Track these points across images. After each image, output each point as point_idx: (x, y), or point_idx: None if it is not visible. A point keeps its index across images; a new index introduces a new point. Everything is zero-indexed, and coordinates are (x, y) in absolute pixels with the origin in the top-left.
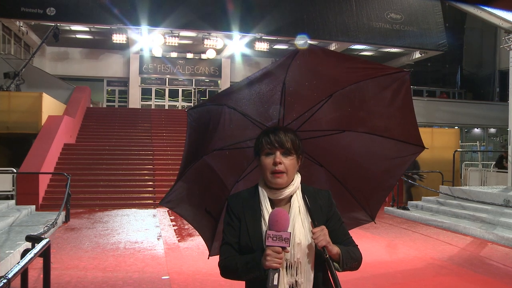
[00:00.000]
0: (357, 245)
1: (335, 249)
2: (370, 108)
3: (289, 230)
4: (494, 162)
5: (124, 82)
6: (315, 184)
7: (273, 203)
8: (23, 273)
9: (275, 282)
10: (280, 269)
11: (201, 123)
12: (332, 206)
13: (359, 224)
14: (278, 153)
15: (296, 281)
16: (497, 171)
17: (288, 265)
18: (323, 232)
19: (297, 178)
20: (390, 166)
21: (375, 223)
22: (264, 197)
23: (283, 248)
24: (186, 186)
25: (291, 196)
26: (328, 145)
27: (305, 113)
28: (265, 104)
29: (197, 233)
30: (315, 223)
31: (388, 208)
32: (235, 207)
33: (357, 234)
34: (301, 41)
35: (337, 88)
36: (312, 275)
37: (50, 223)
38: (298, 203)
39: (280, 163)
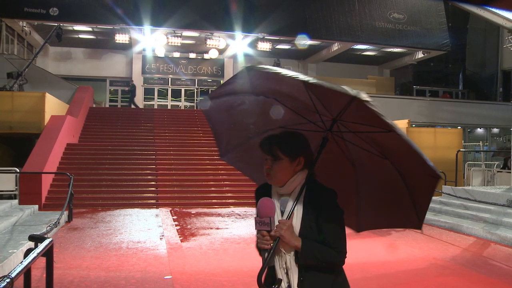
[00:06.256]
0: (341, 252)
1: (293, 243)
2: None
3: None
4: (497, 163)
5: (126, 82)
6: (376, 175)
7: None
8: (26, 272)
9: (267, 260)
10: (272, 250)
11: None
12: (329, 205)
13: (406, 226)
14: (268, 159)
15: (286, 270)
16: (507, 171)
17: (282, 254)
18: (284, 225)
19: (298, 177)
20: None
21: (421, 232)
22: (274, 189)
23: (268, 231)
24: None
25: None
26: (387, 143)
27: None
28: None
29: (200, 233)
30: (288, 216)
31: None
32: (257, 197)
33: (359, 234)
34: (302, 41)
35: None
36: (296, 265)
37: (53, 222)
38: (295, 199)
39: (268, 167)
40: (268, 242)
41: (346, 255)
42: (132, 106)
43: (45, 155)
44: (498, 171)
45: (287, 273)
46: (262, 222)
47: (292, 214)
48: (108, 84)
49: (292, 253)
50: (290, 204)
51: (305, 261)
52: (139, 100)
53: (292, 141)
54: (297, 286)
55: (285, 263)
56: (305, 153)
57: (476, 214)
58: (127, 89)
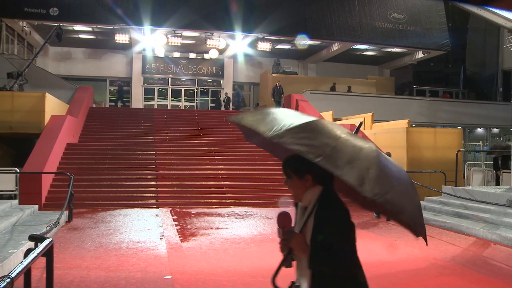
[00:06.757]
0: (340, 263)
1: (302, 252)
2: None
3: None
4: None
5: (126, 82)
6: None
7: None
8: (26, 272)
9: (281, 264)
10: (289, 254)
11: None
12: (332, 221)
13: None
14: (285, 178)
15: (301, 273)
16: (503, 172)
17: (298, 260)
18: (293, 236)
19: (310, 192)
20: None
21: (427, 243)
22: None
23: (282, 240)
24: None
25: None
26: None
27: None
28: None
29: (200, 233)
30: (301, 227)
31: None
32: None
33: (360, 234)
34: (301, 41)
35: None
36: (309, 271)
37: (53, 222)
38: (307, 213)
39: (285, 184)
40: (282, 248)
41: (350, 266)
42: (120, 104)
43: (45, 155)
44: (503, 172)
45: (300, 276)
46: (278, 231)
47: (305, 226)
48: (108, 84)
49: (305, 258)
50: (304, 217)
51: (312, 268)
52: (139, 100)
53: (298, 161)
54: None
55: (300, 267)
56: (312, 172)
57: (476, 214)
58: (116, 89)
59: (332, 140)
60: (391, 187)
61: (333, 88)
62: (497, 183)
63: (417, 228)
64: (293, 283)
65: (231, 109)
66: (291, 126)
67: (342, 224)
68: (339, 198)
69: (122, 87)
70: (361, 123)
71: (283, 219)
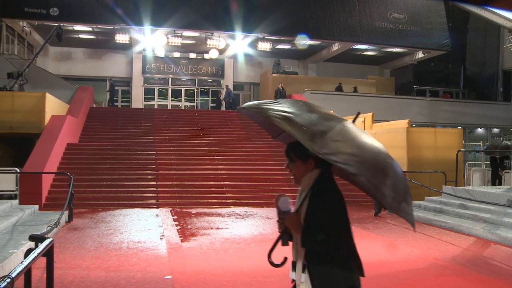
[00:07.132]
0: (332, 240)
1: (296, 230)
2: None
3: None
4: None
5: (127, 82)
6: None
7: None
8: (27, 272)
9: (276, 241)
10: (286, 233)
11: None
12: (325, 201)
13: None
14: (287, 161)
15: (297, 251)
16: (505, 172)
17: (295, 238)
18: (289, 216)
19: (309, 175)
20: None
21: (414, 229)
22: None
23: (280, 219)
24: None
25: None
26: None
27: None
28: None
29: (200, 233)
30: (297, 207)
31: None
32: None
33: (360, 234)
34: (301, 41)
35: None
36: (303, 249)
37: (53, 222)
38: (304, 195)
39: (287, 168)
40: (280, 227)
41: (340, 246)
42: (116, 104)
43: (45, 155)
44: (505, 172)
45: (296, 254)
46: (276, 212)
47: (301, 206)
48: (108, 84)
49: (299, 237)
50: (301, 198)
51: (304, 246)
52: (139, 100)
53: (302, 146)
54: (301, 264)
55: (296, 246)
56: (315, 156)
57: (476, 214)
58: (107, 89)
59: (301, 111)
60: (351, 152)
61: (339, 88)
62: (497, 183)
63: (378, 195)
64: (285, 258)
65: (231, 109)
66: (271, 102)
67: (333, 206)
68: (334, 182)
69: (114, 86)
70: (359, 113)
71: (279, 201)
